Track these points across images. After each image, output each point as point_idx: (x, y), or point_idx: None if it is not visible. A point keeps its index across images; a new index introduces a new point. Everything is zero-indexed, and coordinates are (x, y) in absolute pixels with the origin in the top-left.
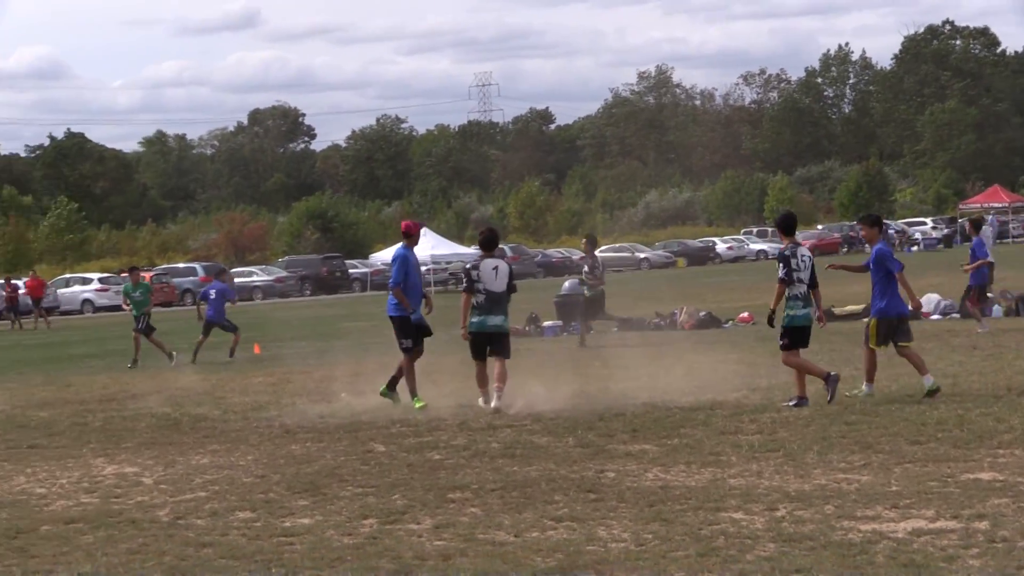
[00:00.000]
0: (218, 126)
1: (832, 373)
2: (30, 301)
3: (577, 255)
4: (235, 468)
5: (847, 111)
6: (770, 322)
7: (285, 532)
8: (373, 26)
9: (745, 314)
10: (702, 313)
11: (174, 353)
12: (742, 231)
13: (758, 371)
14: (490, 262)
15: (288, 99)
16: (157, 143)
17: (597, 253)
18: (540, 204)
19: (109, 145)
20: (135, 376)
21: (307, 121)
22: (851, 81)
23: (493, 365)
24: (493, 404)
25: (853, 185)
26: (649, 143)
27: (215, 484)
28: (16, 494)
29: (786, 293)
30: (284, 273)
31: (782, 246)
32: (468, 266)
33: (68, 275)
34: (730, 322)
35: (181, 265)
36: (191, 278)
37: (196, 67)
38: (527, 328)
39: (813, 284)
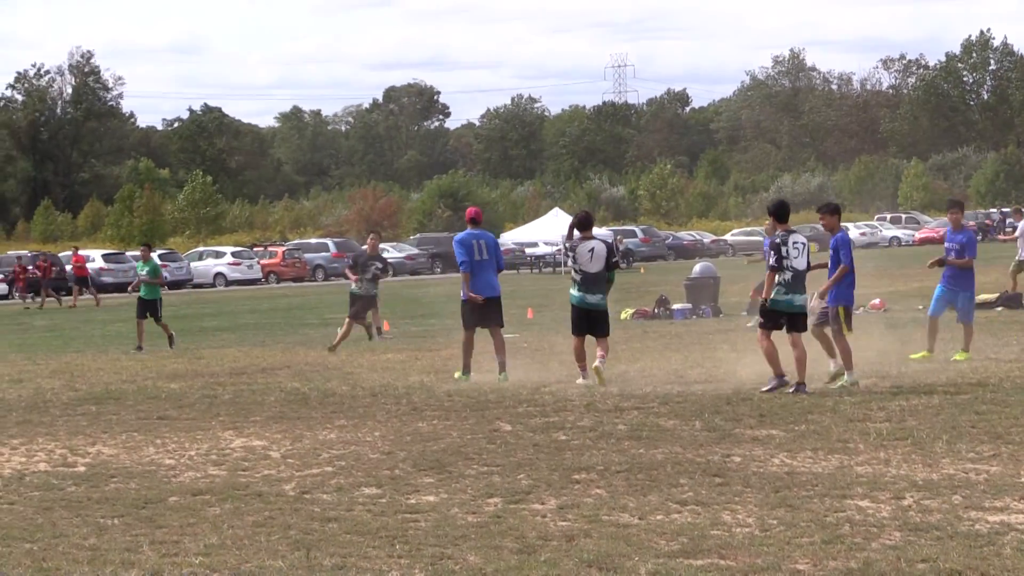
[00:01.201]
0: (354, 102)
1: (784, 376)
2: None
3: (710, 238)
4: (362, 444)
5: (986, 98)
6: (763, 311)
7: (410, 509)
8: (510, 5)
9: (876, 300)
10: None
11: (174, 335)
12: (875, 217)
13: (889, 358)
14: (587, 244)
15: (424, 77)
16: (293, 119)
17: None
18: (672, 186)
19: (245, 120)
20: (265, 350)
21: (442, 99)
22: (992, 67)
23: (595, 347)
24: (586, 380)
25: (990, 173)
26: (783, 127)
27: (342, 459)
28: (145, 464)
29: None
30: (415, 250)
31: (775, 233)
32: (567, 246)
33: (201, 248)
34: (861, 308)
35: (313, 240)
36: (323, 254)
37: (334, 44)
38: (656, 311)
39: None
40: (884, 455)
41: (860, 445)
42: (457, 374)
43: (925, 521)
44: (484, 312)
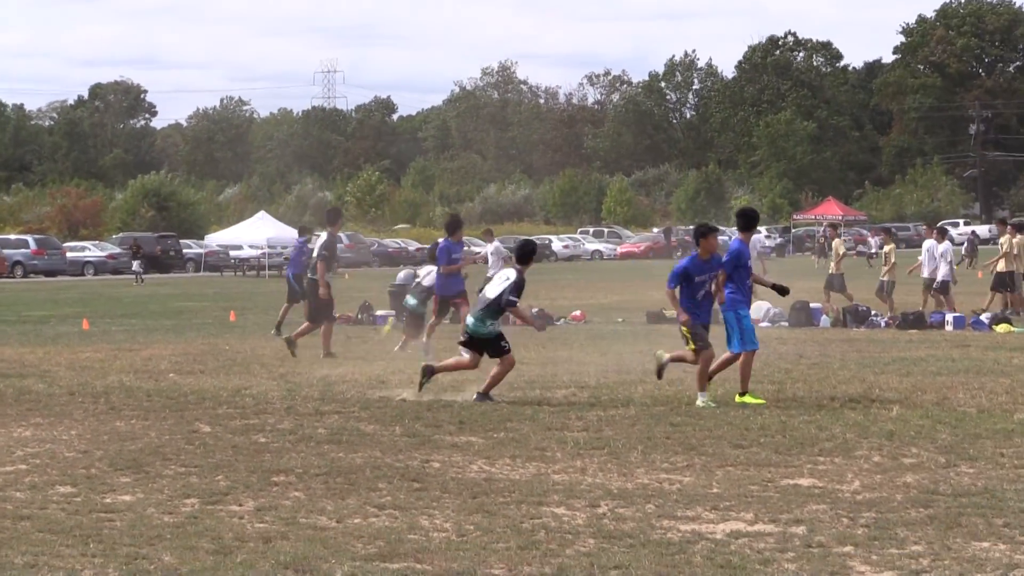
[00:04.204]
0: (58, 98)
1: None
2: None
3: (415, 246)
4: (57, 442)
5: (688, 117)
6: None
7: (105, 508)
8: (223, 6)
9: (577, 312)
10: (535, 310)
11: None
12: (579, 230)
13: (587, 369)
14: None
15: (133, 75)
16: None
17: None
18: (379, 193)
19: None
20: None
21: (149, 98)
22: (695, 87)
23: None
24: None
25: (691, 190)
26: (490, 138)
27: (36, 458)
28: None
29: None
30: (117, 250)
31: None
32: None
33: None
34: (562, 320)
35: (12, 237)
36: (23, 250)
37: (40, 38)
38: (360, 316)
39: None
40: (581, 464)
41: (558, 453)
42: None
43: (619, 529)
44: None
